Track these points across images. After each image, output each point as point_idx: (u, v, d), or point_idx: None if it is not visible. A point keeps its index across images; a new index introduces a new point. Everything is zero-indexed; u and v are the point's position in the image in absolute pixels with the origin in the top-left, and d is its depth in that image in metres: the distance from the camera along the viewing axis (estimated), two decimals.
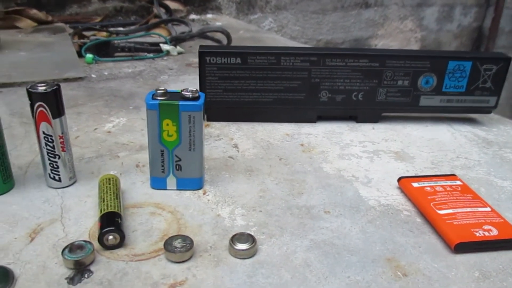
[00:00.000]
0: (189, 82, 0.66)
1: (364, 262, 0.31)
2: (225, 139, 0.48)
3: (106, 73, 0.69)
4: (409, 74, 0.51)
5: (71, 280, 0.29)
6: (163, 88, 0.36)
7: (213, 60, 0.49)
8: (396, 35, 1.49)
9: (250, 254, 0.31)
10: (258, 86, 0.51)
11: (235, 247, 0.31)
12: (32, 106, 0.35)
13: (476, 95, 0.53)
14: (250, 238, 0.32)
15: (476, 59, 0.51)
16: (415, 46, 1.55)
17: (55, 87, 0.35)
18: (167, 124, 0.36)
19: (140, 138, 0.48)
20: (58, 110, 0.35)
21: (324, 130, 0.52)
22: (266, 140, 0.49)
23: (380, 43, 1.46)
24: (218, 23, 1.08)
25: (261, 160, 0.44)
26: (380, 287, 0.29)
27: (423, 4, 1.49)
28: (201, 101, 0.36)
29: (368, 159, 0.46)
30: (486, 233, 0.33)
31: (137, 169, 0.42)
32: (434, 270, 0.31)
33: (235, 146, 0.47)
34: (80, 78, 0.64)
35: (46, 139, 0.36)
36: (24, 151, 0.44)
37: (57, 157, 0.37)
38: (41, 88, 0.34)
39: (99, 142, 0.47)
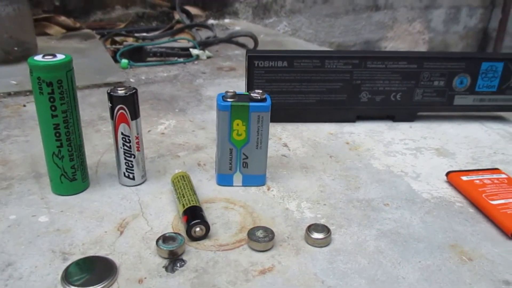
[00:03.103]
0: (225, 85, 0.69)
1: (430, 249, 0.34)
2: (274, 139, 0.51)
3: (143, 78, 0.71)
4: (444, 75, 0.54)
5: (166, 268, 0.31)
6: (232, 90, 0.38)
7: (261, 64, 0.52)
8: (405, 37, 1.52)
9: (326, 243, 0.34)
10: (302, 88, 0.53)
11: (313, 237, 0.33)
12: (112, 108, 0.37)
13: (507, 94, 0.55)
14: (325, 228, 0.34)
15: (508, 60, 0.54)
16: (423, 48, 1.58)
17: (133, 91, 0.37)
18: (237, 124, 0.38)
19: (194, 138, 0.50)
20: (135, 113, 0.38)
21: (365, 129, 0.54)
22: (313, 139, 0.51)
23: (390, 45, 1.50)
24: (237, 28, 1.10)
25: (313, 158, 0.47)
26: (450, 270, 0.32)
27: (430, 6, 1.52)
28: (268, 102, 0.38)
29: (412, 155, 0.48)
30: None
31: (199, 167, 0.44)
32: (496, 255, 0.33)
33: (285, 145, 0.50)
34: (120, 83, 0.67)
35: (124, 139, 0.38)
36: (88, 152, 0.46)
37: (132, 156, 0.39)
38: (121, 92, 0.37)
39: (157, 143, 0.49)
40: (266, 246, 0.33)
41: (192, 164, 0.45)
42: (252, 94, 0.38)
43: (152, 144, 0.49)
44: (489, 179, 0.41)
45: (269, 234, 0.33)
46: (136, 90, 0.38)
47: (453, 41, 1.64)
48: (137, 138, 0.39)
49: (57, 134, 0.36)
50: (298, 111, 0.54)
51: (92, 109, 0.57)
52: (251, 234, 0.33)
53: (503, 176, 0.42)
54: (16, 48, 0.69)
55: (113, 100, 0.37)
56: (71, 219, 0.35)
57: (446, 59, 0.53)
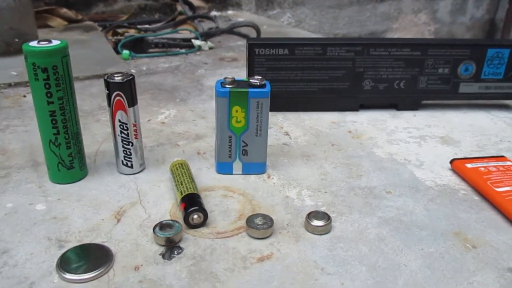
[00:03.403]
0: (227, 75, 0.68)
1: (434, 236, 0.33)
2: (275, 128, 0.50)
3: (144, 68, 0.70)
4: (449, 62, 0.53)
5: (163, 255, 0.30)
6: (231, 76, 0.38)
7: (261, 51, 0.51)
8: (410, 28, 1.50)
9: (326, 230, 0.33)
10: (304, 76, 0.52)
11: (313, 224, 0.33)
12: (109, 95, 0.37)
13: None
14: (325, 216, 0.33)
15: None
16: None
17: (130, 77, 0.37)
18: (236, 111, 0.38)
19: (194, 128, 0.50)
20: (132, 99, 0.37)
21: (367, 118, 0.53)
22: (315, 128, 0.51)
23: (395, 37, 1.48)
24: (240, 19, 1.09)
25: (315, 146, 0.46)
26: (453, 258, 0.31)
27: None
28: (268, 88, 0.38)
29: (415, 143, 0.48)
30: None
31: (199, 156, 0.44)
32: (501, 242, 0.32)
33: (287, 133, 0.49)
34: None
35: (121, 127, 0.38)
36: (88, 141, 0.46)
37: (130, 144, 0.38)
38: (118, 78, 0.36)
39: (156, 132, 0.48)
40: (265, 233, 0.32)
41: (191, 153, 0.44)
42: (251, 80, 0.38)
43: (152, 133, 0.48)
44: (495, 166, 0.40)
45: (268, 221, 0.33)
46: (133, 76, 0.37)
47: (459, 32, 1.62)
48: (134, 125, 0.38)
49: (54, 122, 0.35)
50: (300, 99, 0.54)
51: (92, 99, 0.57)
52: (250, 221, 0.33)
53: (509, 163, 0.41)
54: (16, 40, 0.68)
55: (110, 86, 0.36)
56: (68, 207, 0.35)
57: (450, 45, 0.52)
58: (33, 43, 0.34)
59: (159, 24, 0.95)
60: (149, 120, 0.52)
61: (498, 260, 0.31)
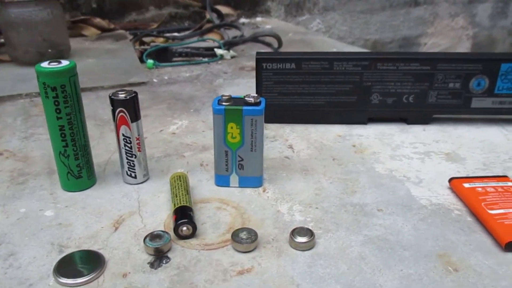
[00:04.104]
0: (243, 86, 0.70)
1: (416, 257, 0.33)
2: (281, 140, 0.52)
3: (166, 78, 0.74)
4: (460, 76, 0.52)
5: (152, 264, 0.33)
6: (227, 94, 0.40)
7: (269, 66, 0.52)
8: (447, 33, 1.46)
9: (309, 246, 0.34)
10: (311, 90, 0.53)
11: (296, 240, 0.34)
12: (113, 111, 0.39)
13: None
14: (309, 232, 0.34)
15: None
16: (466, 44, 1.51)
17: (133, 95, 0.39)
18: (232, 127, 0.39)
19: (202, 139, 0.52)
20: (135, 115, 0.40)
21: (375, 132, 0.54)
22: (319, 141, 0.51)
23: (430, 42, 1.44)
24: (268, 26, 1.11)
25: (316, 160, 0.47)
26: (432, 280, 0.31)
27: (475, 1, 1.45)
28: (262, 106, 0.39)
29: (419, 160, 0.47)
30: None
31: (201, 167, 0.46)
32: (485, 267, 0.32)
33: (290, 146, 0.50)
34: (144, 83, 0.70)
35: (125, 140, 0.40)
36: (101, 150, 0.49)
37: (133, 156, 0.41)
38: (122, 96, 0.39)
39: (166, 143, 0.51)
40: (248, 247, 0.34)
41: (195, 164, 0.46)
42: (246, 98, 0.39)
43: (162, 143, 0.51)
44: (493, 187, 0.40)
45: (252, 236, 0.34)
46: (136, 93, 0.40)
47: (500, 37, 1.56)
48: (137, 139, 0.41)
49: (63, 135, 0.38)
50: (307, 112, 0.55)
51: None
52: (235, 235, 0.34)
53: (510, 184, 0.40)
54: (50, 50, 0.73)
55: (114, 103, 0.39)
56: (73, 215, 0.38)
57: (460, 60, 0.51)
58: (45, 64, 0.37)
59: (186, 33, 0.99)
60: (161, 130, 0.54)
61: (478, 285, 0.31)
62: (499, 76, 0.52)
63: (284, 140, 0.52)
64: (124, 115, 0.39)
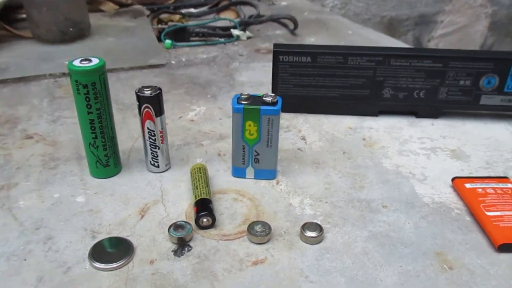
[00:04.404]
0: (259, 70, 0.71)
1: (415, 254, 0.36)
2: (294, 131, 0.54)
3: (184, 59, 0.75)
4: (471, 74, 0.54)
5: (175, 252, 0.36)
6: (246, 93, 0.42)
7: (285, 58, 0.54)
8: (465, 10, 1.44)
9: (317, 241, 0.37)
10: (325, 83, 0.55)
11: (306, 234, 0.37)
12: (139, 107, 0.42)
13: None
14: (318, 227, 0.38)
15: None
16: (484, 22, 1.49)
17: (158, 92, 0.42)
18: (249, 125, 0.42)
19: (219, 127, 0.55)
20: (160, 110, 0.42)
21: (385, 125, 0.56)
22: (331, 133, 0.54)
23: (447, 19, 1.43)
24: (284, 3, 1.11)
25: (327, 153, 0.50)
26: (428, 277, 0.34)
27: None
28: (278, 106, 0.41)
29: (425, 156, 0.50)
30: None
31: (219, 157, 0.49)
32: (478, 266, 0.35)
33: (303, 138, 0.53)
34: (162, 65, 0.72)
35: (149, 133, 0.43)
36: (124, 136, 0.52)
37: (157, 148, 0.44)
38: (147, 92, 0.41)
39: (185, 130, 0.54)
40: (262, 240, 0.37)
41: (213, 154, 0.49)
42: (264, 98, 0.42)
43: (181, 131, 0.54)
44: (493, 188, 0.42)
45: (266, 229, 0.37)
46: (161, 90, 0.42)
47: None
48: (161, 132, 0.43)
49: (92, 128, 0.41)
50: (321, 103, 0.57)
51: (133, 93, 0.63)
52: (251, 228, 0.38)
53: (509, 186, 0.43)
54: (71, 29, 0.75)
55: (140, 99, 0.42)
56: (102, 201, 0.42)
57: (472, 59, 0.53)
58: (76, 62, 0.39)
59: (202, 9, 0.99)
60: (180, 117, 0.57)
61: (470, 283, 0.34)
62: (509, 75, 0.53)
63: (297, 131, 0.54)
64: (149, 111, 0.42)
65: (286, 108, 0.57)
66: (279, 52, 0.54)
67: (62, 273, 0.34)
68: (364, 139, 0.53)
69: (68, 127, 0.54)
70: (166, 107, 0.58)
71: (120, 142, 0.50)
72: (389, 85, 0.55)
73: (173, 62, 0.74)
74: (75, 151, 0.49)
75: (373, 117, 0.57)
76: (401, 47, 0.55)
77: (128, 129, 0.54)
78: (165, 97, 0.61)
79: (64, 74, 0.67)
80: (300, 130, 0.54)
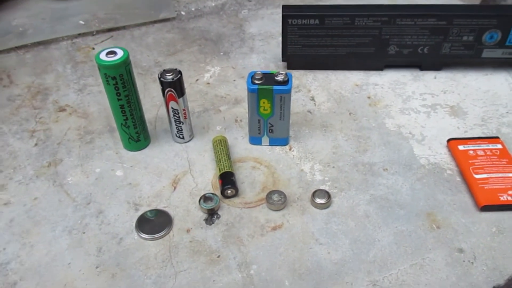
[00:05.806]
0: (268, 19, 0.73)
1: (409, 216, 0.43)
2: (304, 91, 0.58)
3: (193, 9, 0.76)
4: (474, 30, 0.55)
5: (207, 221, 0.43)
6: (260, 72, 0.45)
7: (294, 21, 0.56)
8: None
9: (326, 206, 0.44)
10: (333, 43, 0.58)
11: (316, 201, 0.44)
12: (163, 90, 0.46)
13: None
14: (326, 194, 0.44)
15: None
16: None
17: (179, 76, 0.46)
18: (264, 102, 0.46)
19: (234, 90, 0.59)
20: (181, 92, 0.47)
21: (390, 80, 0.59)
22: (339, 92, 0.58)
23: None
24: None
25: (334, 115, 0.54)
26: (418, 236, 0.41)
27: None
28: (289, 85, 0.45)
29: (425, 114, 0.54)
30: (509, 198, 0.43)
31: (236, 124, 0.54)
32: (461, 225, 0.42)
33: (312, 98, 0.57)
34: (173, 18, 0.73)
35: (173, 112, 0.48)
36: (148, 105, 0.57)
37: (181, 123, 0.49)
38: (169, 77, 0.45)
39: (203, 95, 0.58)
40: (279, 207, 0.44)
41: (230, 120, 0.54)
42: (276, 78, 0.45)
43: (199, 96, 0.58)
44: (483, 149, 0.47)
45: (282, 198, 0.44)
46: (181, 73, 0.46)
47: None
48: (184, 110, 0.48)
49: (123, 111, 0.46)
50: (328, 61, 0.60)
51: (149, 53, 0.66)
52: (269, 197, 0.44)
53: (498, 146, 0.48)
54: None
55: (163, 84, 0.46)
56: (138, 174, 0.48)
57: (476, 16, 0.54)
58: (103, 55, 0.43)
59: None
60: (197, 80, 0.61)
61: (453, 241, 0.41)
62: (511, 30, 0.55)
63: (307, 91, 0.58)
64: (172, 93, 0.46)
65: (296, 66, 0.61)
66: (288, 16, 0.56)
67: (116, 244, 0.41)
68: (369, 97, 0.57)
69: (95, 97, 0.58)
70: (182, 68, 0.62)
71: (145, 111, 0.55)
72: (394, 43, 0.57)
73: (183, 13, 0.75)
74: (106, 123, 0.54)
75: (378, 71, 0.61)
76: (406, 5, 0.56)
77: (150, 96, 0.58)
78: (180, 56, 0.65)
79: (79, 35, 0.70)
80: (310, 90, 0.58)
